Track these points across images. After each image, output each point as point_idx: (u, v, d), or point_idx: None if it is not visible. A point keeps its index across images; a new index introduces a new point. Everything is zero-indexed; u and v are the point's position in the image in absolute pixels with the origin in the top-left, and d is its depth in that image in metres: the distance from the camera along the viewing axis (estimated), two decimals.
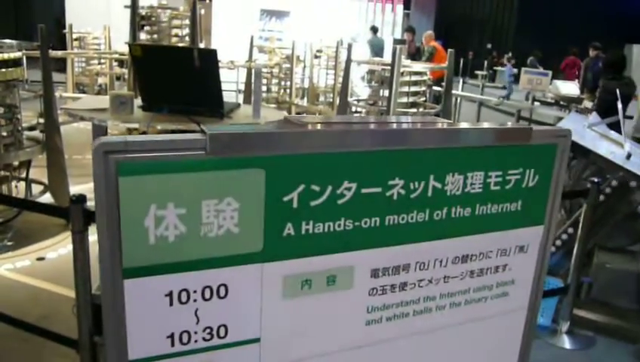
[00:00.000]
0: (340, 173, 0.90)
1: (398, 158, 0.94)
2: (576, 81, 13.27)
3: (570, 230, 3.71)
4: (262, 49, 8.26)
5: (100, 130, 2.88)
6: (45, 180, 4.23)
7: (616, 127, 4.71)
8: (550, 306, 3.54)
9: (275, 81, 7.47)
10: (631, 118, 6.21)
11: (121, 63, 8.99)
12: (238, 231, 0.85)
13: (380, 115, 4.65)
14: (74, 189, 4.26)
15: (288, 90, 7.24)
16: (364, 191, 0.93)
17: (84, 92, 8.94)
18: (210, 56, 2.74)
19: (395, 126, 0.97)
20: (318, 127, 0.88)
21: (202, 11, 8.91)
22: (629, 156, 3.75)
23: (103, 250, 0.78)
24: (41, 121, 4.70)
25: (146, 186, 0.78)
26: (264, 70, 7.60)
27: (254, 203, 0.85)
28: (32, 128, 4.88)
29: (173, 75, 2.83)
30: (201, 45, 6.80)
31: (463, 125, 1.05)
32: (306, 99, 8.01)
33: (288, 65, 7.16)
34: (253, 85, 3.37)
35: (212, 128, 0.80)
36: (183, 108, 2.73)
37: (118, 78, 9.36)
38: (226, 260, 0.86)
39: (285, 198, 0.88)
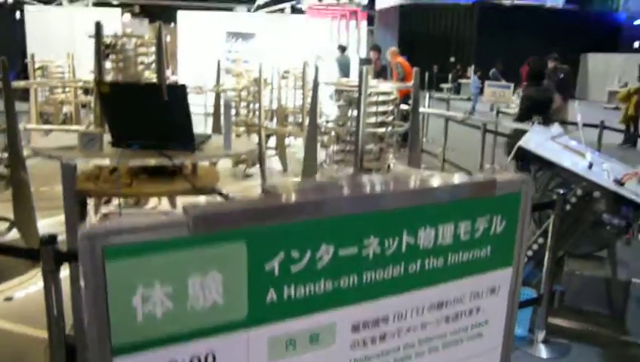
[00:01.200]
0: (318, 239, 0.94)
1: (373, 219, 0.99)
2: None
3: (540, 240, 3.82)
4: (229, 71, 8.30)
5: (68, 170, 2.87)
6: (11, 216, 4.15)
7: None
8: (525, 317, 3.62)
9: (243, 104, 7.49)
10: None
11: (85, 91, 8.91)
12: (223, 301, 0.88)
13: (350, 136, 4.72)
14: (42, 224, 4.18)
15: (257, 113, 7.26)
16: (341, 253, 0.97)
17: (48, 122, 8.81)
18: (179, 91, 2.77)
19: (369, 190, 1.02)
20: (296, 198, 0.92)
21: (168, 38, 8.93)
22: (590, 166, 3.88)
23: (91, 329, 0.80)
24: (5, 155, 4.63)
25: (133, 268, 0.80)
26: (232, 93, 7.64)
27: (237, 274, 0.89)
28: None
29: (143, 111, 2.85)
30: (168, 72, 6.80)
31: (434, 182, 1.11)
32: (275, 120, 8.05)
33: (256, 88, 7.20)
34: (222, 117, 3.40)
35: (195, 208, 0.83)
36: (154, 144, 2.75)
37: (83, 106, 9.26)
38: (212, 330, 0.89)
39: (267, 267, 0.91)
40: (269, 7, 15.27)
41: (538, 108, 6.61)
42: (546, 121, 6.23)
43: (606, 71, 24.61)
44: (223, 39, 14.24)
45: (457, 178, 1.13)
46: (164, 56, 5.40)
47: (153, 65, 5.67)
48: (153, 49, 5.65)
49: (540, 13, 29.14)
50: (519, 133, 5.41)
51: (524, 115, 6.69)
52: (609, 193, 3.58)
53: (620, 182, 3.72)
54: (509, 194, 1.12)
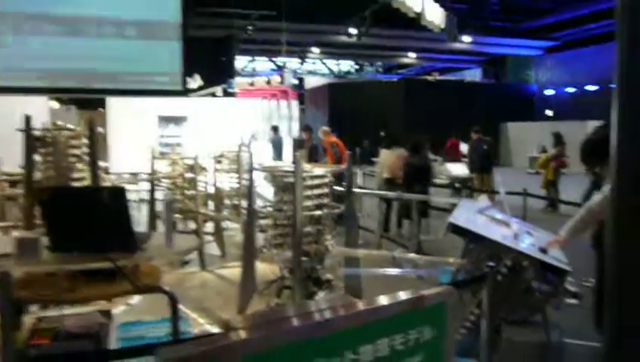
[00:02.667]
0: None
1: (319, 343, 1.08)
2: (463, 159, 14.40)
3: (476, 311, 3.94)
4: (164, 156, 8.32)
5: (5, 280, 2.79)
6: None
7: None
8: None
9: (179, 191, 7.48)
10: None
11: (12, 183, 8.65)
12: None
13: (287, 219, 4.80)
14: None
15: (193, 199, 7.27)
16: None
17: None
18: (119, 193, 2.80)
19: (314, 318, 1.11)
20: (247, 334, 0.99)
21: (101, 129, 8.90)
22: (516, 236, 4.11)
23: None
24: None
25: None
26: (167, 181, 7.64)
27: None
28: None
29: (82, 215, 2.83)
30: (101, 163, 6.75)
31: (372, 304, 1.21)
32: (212, 206, 8.05)
33: (192, 175, 7.23)
34: (164, 215, 3.42)
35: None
36: (94, 247, 2.72)
37: (9, 199, 8.97)
38: None
39: None
40: (202, 91, 15.52)
41: (417, 174, 8.12)
42: (426, 185, 8.01)
43: (525, 138, 26.17)
44: (155, 124, 14.24)
45: (384, 299, 1.25)
46: (96, 150, 5.40)
47: (86, 158, 5.62)
48: (84, 140, 5.62)
49: (461, 87, 31.01)
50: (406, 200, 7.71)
51: (406, 180, 8.21)
52: (535, 261, 3.78)
53: (543, 250, 3.94)
54: (437, 304, 1.25)
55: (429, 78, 34.15)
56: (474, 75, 38.49)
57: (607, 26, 23.71)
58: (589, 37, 27.11)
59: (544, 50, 31.08)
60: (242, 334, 0.96)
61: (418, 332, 1.25)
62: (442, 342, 1.31)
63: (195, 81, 14.63)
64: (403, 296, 1.24)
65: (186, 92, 15.00)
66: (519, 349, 4.05)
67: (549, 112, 28.74)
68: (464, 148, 16.19)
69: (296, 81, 16.24)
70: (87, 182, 5.54)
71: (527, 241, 4.19)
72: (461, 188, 11.19)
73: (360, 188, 10.47)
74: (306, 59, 34.89)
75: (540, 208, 11.12)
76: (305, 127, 12.31)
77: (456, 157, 14.96)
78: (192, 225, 7.46)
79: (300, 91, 26.72)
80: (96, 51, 13.20)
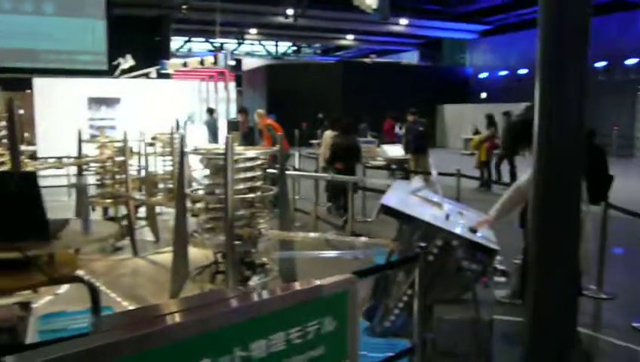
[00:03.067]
0: None
1: (205, 340, 1.01)
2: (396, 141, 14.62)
3: (410, 291, 3.98)
4: (95, 138, 7.99)
5: None
6: None
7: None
8: None
9: (108, 175, 7.19)
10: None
11: None
12: None
13: (220, 203, 4.69)
14: None
15: (124, 183, 7.01)
16: None
17: None
18: (30, 178, 2.63)
19: (196, 315, 1.03)
20: (119, 335, 0.91)
21: (22, 111, 8.45)
22: (447, 217, 4.16)
23: None
24: None
25: None
26: (96, 165, 7.33)
27: None
28: None
29: None
30: (22, 147, 6.41)
31: (260, 295, 1.15)
32: (144, 190, 7.80)
33: (122, 158, 6.97)
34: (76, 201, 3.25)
35: None
36: (4, 236, 2.55)
37: None
38: None
39: None
40: (135, 72, 14.98)
41: (343, 154, 8.54)
42: (351, 164, 8.47)
43: (460, 120, 26.79)
44: (84, 106, 13.68)
45: (283, 288, 1.19)
46: (16, 133, 5.09)
47: (5, 141, 5.31)
48: (3, 123, 5.30)
49: (398, 70, 31.36)
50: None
51: (331, 158, 8.73)
52: (465, 241, 3.83)
53: (473, 230, 4.00)
54: (337, 293, 1.20)
55: (367, 60, 34.36)
56: (411, 57, 39.00)
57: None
58: (521, 22, 27.92)
59: (478, 34, 31.79)
60: (114, 335, 0.87)
61: (317, 323, 1.20)
62: (345, 332, 1.27)
63: (127, 62, 14.11)
64: (299, 286, 1.18)
65: (111, 72, 14.43)
66: (450, 328, 4.12)
67: (483, 95, 29.48)
68: (398, 130, 16.42)
69: (231, 62, 15.90)
70: (7, 167, 5.24)
71: (458, 221, 4.25)
72: (397, 169, 11.33)
73: (297, 170, 10.43)
74: (244, 41, 34.35)
75: (474, 188, 11.41)
76: (240, 110, 12.09)
77: (391, 138, 15.18)
78: (123, 211, 7.21)
79: (237, 73, 26.28)
80: (14, 28, 12.50)
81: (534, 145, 2.37)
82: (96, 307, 2.54)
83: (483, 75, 30.65)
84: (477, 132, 22.35)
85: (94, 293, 2.48)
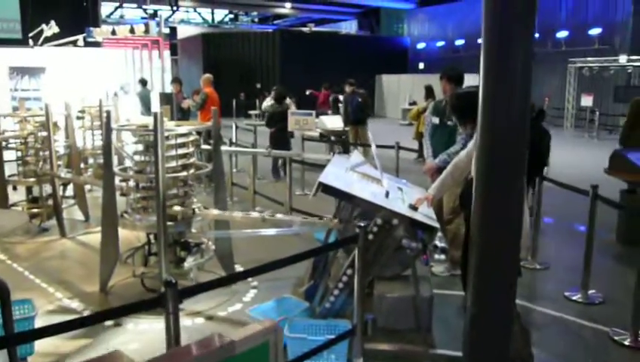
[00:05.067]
0: None
1: None
2: (329, 112, 14.55)
3: (349, 271, 3.89)
4: (14, 113, 7.43)
5: None
6: None
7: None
8: (342, 348, 3.64)
9: (31, 151, 6.73)
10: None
11: None
12: None
13: (151, 182, 4.45)
14: None
15: (48, 161, 6.57)
16: None
17: None
18: None
19: None
20: None
21: None
22: (387, 194, 4.07)
23: None
24: None
25: None
26: (17, 141, 6.84)
27: None
28: None
29: None
30: None
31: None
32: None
33: (44, 134, 6.52)
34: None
35: None
36: None
37: None
38: None
39: None
40: (58, 40, 14.10)
41: (276, 119, 10.04)
42: (284, 129, 9.57)
43: (398, 90, 26.95)
44: (5, 75, 12.82)
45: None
46: None
47: None
48: None
49: (337, 39, 31.12)
50: (274, 139, 9.82)
51: (267, 123, 10.35)
52: (405, 219, 3.76)
53: (413, 207, 3.94)
54: (254, 348, 1.03)
55: (305, 29, 33.89)
56: (349, 27, 38.78)
57: None
58: None
59: (416, 3, 31.85)
60: None
61: None
62: None
63: (51, 29, 13.24)
64: (207, 344, 1.01)
65: (26, 41, 13.51)
66: (390, 305, 4.08)
67: (421, 65, 29.69)
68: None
69: (164, 30, 15.19)
70: None
71: (398, 198, 4.18)
72: (336, 141, 11.24)
73: (234, 143, 10.17)
74: (178, 8, 33.13)
75: (412, 159, 11.47)
76: (174, 79, 11.60)
77: (325, 110, 15.05)
78: (48, 189, 6.79)
79: (172, 41, 25.38)
80: None
81: (479, 118, 2.27)
82: (5, 305, 2.30)
83: (421, 46, 30.83)
84: (414, 103, 22.58)
85: (3, 292, 2.24)
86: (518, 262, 2.81)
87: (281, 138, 9.83)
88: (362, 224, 3.51)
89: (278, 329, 1.08)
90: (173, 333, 2.35)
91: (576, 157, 13.51)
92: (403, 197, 4.28)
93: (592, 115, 19.40)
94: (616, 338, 4.10)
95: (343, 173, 4.45)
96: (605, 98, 20.01)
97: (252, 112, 21.23)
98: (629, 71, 19.60)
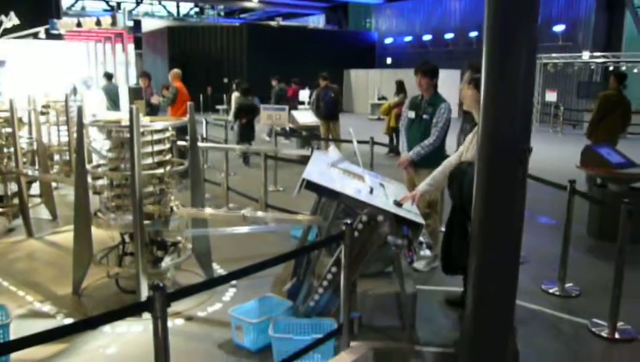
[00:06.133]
0: None
1: None
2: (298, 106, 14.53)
3: (334, 269, 3.83)
4: None
5: None
6: None
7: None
8: (328, 347, 3.59)
9: None
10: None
11: None
12: None
13: (125, 180, 4.30)
14: None
15: (13, 158, 6.32)
16: None
17: None
18: None
19: None
20: None
21: None
22: (371, 191, 4.02)
23: None
24: None
25: None
26: None
27: None
28: None
29: None
30: None
31: None
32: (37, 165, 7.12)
33: (9, 130, 6.27)
34: None
35: None
36: None
37: None
38: None
39: None
40: (19, 32, 13.64)
41: (245, 111, 10.95)
42: (251, 118, 10.95)
43: (366, 85, 27.00)
44: None
45: None
46: None
47: None
48: None
49: (304, 34, 31.00)
50: (243, 131, 10.88)
51: (235, 115, 11.23)
52: (390, 215, 3.72)
53: (398, 204, 3.90)
54: None
55: (273, 23, 33.62)
56: (317, 21, 38.69)
57: None
58: None
59: None
60: None
61: None
62: None
63: (10, 20, 12.79)
64: None
65: None
66: (374, 302, 4.06)
67: (388, 60, 29.79)
68: (304, 95, 16.18)
69: (129, 23, 14.83)
70: None
71: (382, 195, 4.14)
72: (308, 136, 11.18)
73: (205, 139, 10.00)
74: (143, 0, 32.51)
75: (383, 154, 11.47)
76: (142, 74, 11.35)
77: (294, 105, 14.97)
78: (14, 188, 6.54)
79: (136, 34, 24.86)
80: None
81: (481, 113, 2.24)
82: None
83: (388, 41, 30.93)
84: (383, 97, 22.65)
85: None
86: (518, 258, 2.82)
87: (248, 129, 11.02)
88: (348, 221, 3.44)
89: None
90: (161, 337, 2.26)
91: (544, 152, 13.73)
92: (386, 193, 4.24)
93: (556, 110, 19.77)
94: (594, 329, 4.15)
95: (326, 169, 4.38)
96: (569, 94, 20.43)
97: (220, 107, 20.98)
98: (592, 67, 20.04)
